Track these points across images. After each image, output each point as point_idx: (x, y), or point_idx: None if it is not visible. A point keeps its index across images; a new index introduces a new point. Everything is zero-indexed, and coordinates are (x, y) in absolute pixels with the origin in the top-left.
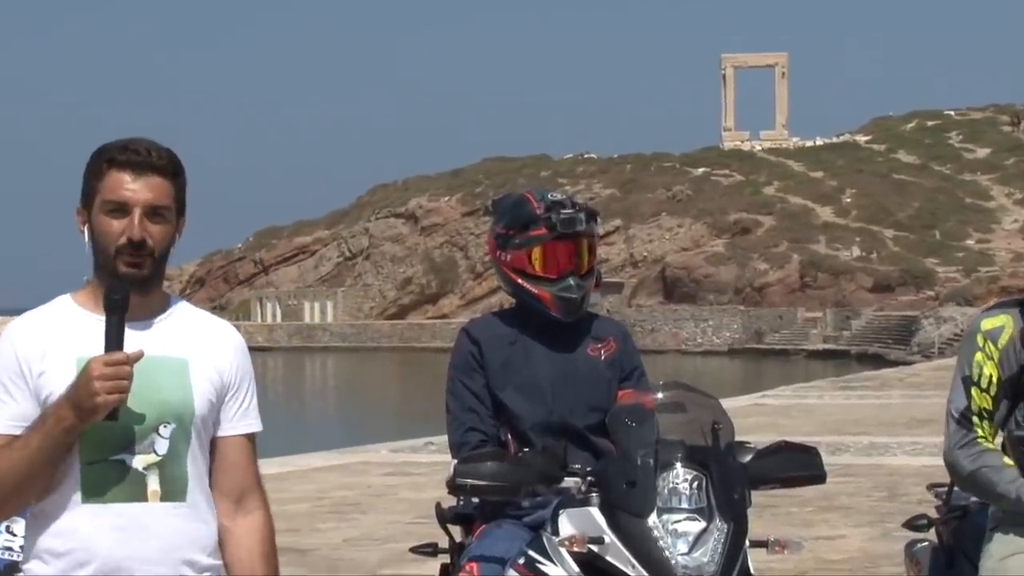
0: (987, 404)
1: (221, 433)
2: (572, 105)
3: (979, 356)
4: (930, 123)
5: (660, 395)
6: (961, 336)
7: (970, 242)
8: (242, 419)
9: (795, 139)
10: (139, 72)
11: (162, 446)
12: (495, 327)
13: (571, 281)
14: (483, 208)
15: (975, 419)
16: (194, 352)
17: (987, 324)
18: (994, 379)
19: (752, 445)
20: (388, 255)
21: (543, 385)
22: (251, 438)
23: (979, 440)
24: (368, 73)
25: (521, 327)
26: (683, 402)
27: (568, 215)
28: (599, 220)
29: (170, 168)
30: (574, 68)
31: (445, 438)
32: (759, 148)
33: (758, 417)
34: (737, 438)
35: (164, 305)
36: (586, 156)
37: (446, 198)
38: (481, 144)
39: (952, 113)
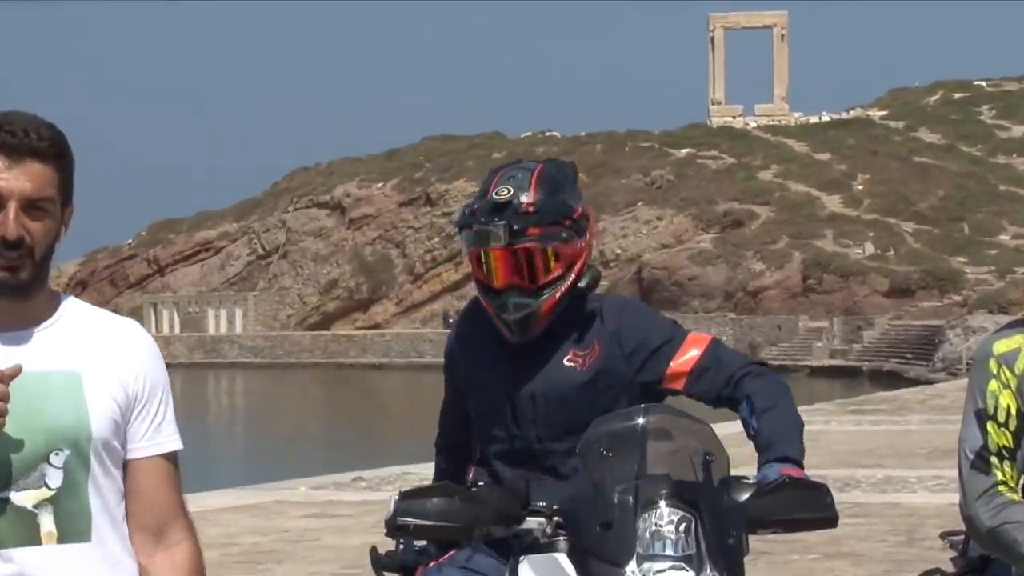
0: (1006, 441)
1: (131, 456)
2: (532, 74)
3: (993, 385)
4: (957, 95)
5: (641, 420)
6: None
7: (1005, 238)
8: (155, 436)
9: (797, 114)
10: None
11: (55, 478)
12: (471, 323)
13: (509, 299)
14: (424, 196)
15: (994, 460)
16: (90, 362)
17: (1000, 347)
18: (1013, 411)
19: (751, 480)
20: (309, 253)
21: (504, 404)
22: (170, 458)
23: (1000, 489)
24: (287, 34)
25: (493, 326)
26: (669, 428)
27: (481, 229)
28: (563, 219)
29: (53, 151)
30: (533, 30)
31: (377, 472)
32: (754, 125)
33: None
34: (733, 472)
35: (50, 310)
36: (548, 134)
37: (379, 184)
38: (422, 120)
39: (984, 84)
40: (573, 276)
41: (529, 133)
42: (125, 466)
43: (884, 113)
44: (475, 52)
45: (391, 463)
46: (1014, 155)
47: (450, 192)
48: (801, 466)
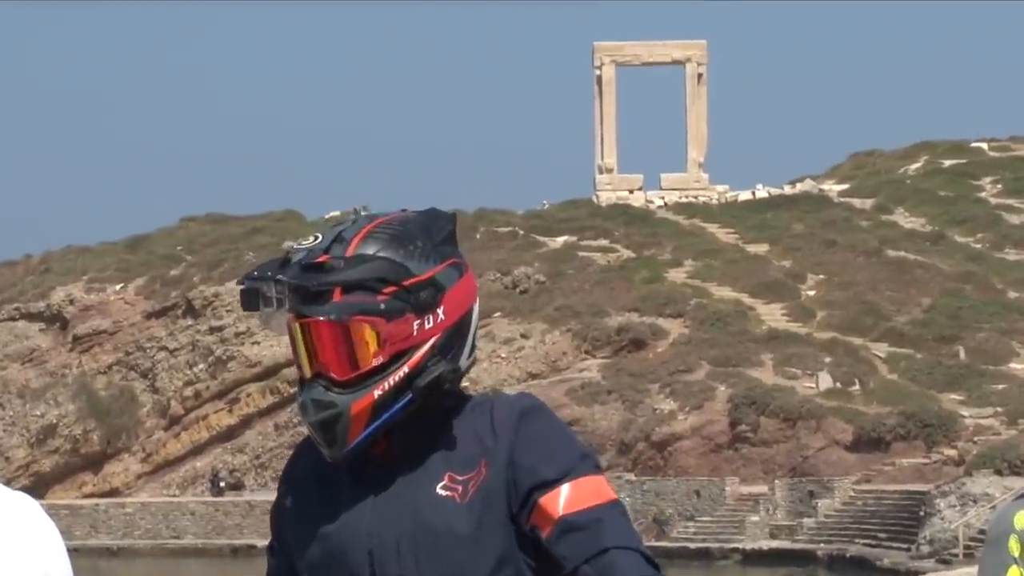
0: None
1: None
2: (337, 129)
3: (1015, 572)
4: (948, 163)
5: None
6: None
7: (1016, 366)
8: None
9: (721, 188)
10: None
11: None
12: (307, 454)
13: (307, 395)
14: (184, 303)
15: None
16: None
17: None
18: None
19: None
20: (15, 385)
21: (356, 556)
22: None
23: None
24: None
25: None
26: None
27: (250, 286)
28: (386, 285)
29: None
30: (340, 67)
31: None
32: (660, 203)
33: None
34: None
35: None
36: (365, 214)
37: (118, 287)
38: (180, 194)
39: (984, 146)
40: (406, 370)
41: (336, 212)
42: None
43: (845, 187)
44: (257, 100)
45: None
46: None
47: (221, 297)
48: None
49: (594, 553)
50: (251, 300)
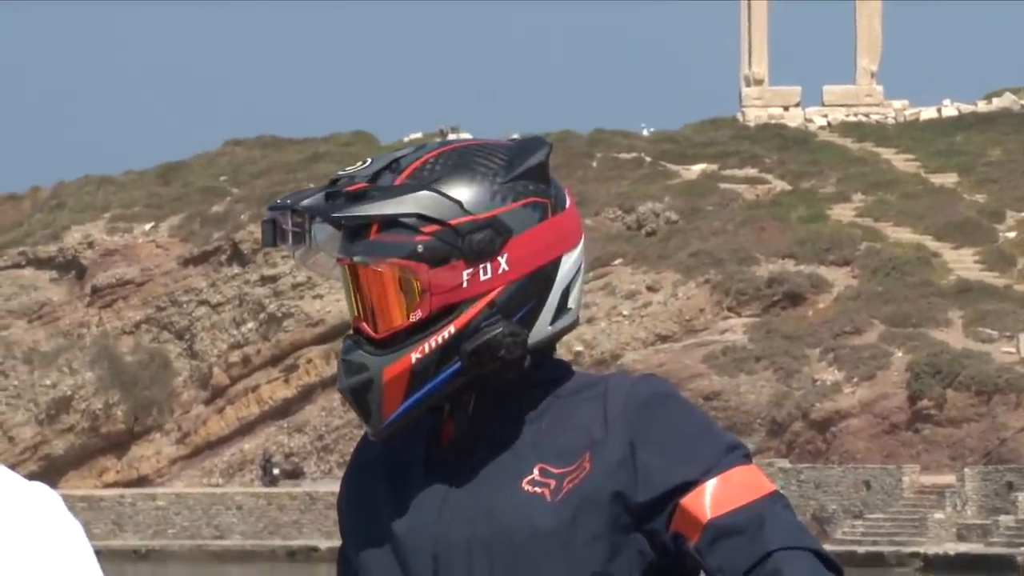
0: None
1: None
2: (424, 36)
3: None
4: None
5: None
6: None
7: None
8: None
9: (898, 104)
10: None
11: None
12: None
13: (343, 353)
14: (229, 247)
15: None
16: None
17: None
18: None
19: None
20: (20, 348)
21: (416, 567)
22: None
23: None
24: None
25: (411, 428)
26: None
27: (271, 215)
28: (427, 222)
29: None
30: None
31: None
32: (822, 122)
33: None
34: None
35: None
36: (453, 136)
37: (147, 226)
38: (225, 111)
39: None
40: (452, 329)
41: (419, 135)
42: None
43: None
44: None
45: None
46: None
47: None
48: None
49: (757, 559)
50: (268, 233)
